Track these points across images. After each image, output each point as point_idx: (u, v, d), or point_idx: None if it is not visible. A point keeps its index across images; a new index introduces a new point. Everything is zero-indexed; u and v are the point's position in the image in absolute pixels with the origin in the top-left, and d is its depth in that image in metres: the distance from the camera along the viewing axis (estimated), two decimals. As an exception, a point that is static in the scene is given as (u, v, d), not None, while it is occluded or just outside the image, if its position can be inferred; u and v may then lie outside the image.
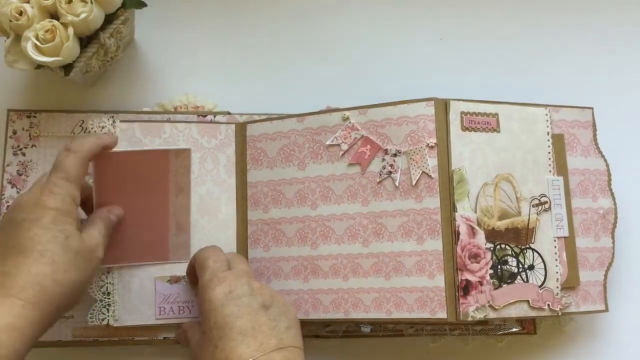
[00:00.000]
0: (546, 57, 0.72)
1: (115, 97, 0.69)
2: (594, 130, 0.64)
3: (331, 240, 0.60)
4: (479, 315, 0.56)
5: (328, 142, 0.61)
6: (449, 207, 0.57)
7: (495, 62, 0.72)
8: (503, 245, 0.58)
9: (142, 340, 0.62)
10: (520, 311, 0.58)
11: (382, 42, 0.72)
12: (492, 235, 0.58)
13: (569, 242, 0.61)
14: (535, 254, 0.59)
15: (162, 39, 0.70)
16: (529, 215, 0.60)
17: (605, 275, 0.62)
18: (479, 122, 0.59)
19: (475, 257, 0.57)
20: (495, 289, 0.57)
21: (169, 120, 0.65)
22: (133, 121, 0.63)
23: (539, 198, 0.60)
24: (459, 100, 0.59)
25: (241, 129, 0.65)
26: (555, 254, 0.60)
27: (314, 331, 0.64)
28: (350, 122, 0.61)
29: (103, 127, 0.63)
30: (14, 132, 0.65)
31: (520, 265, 0.59)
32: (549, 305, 0.59)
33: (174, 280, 0.62)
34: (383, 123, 0.60)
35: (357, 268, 0.59)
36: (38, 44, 0.56)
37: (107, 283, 0.60)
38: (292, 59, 0.71)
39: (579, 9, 0.74)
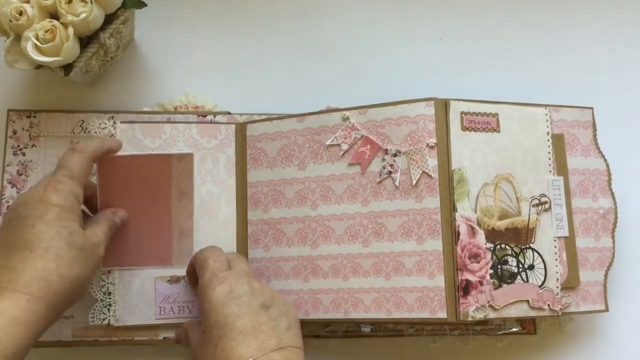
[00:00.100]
0: (546, 57, 0.72)
1: (115, 97, 0.69)
2: (594, 130, 0.64)
3: (331, 240, 0.60)
4: (479, 315, 0.56)
5: (328, 142, 0.61)
6: (449, 207, 0.57)
7: (495, 62, 0.72)
8: (503, 245, 0.58)
9: (142, 340, 0.62)
10: (520, 311, 0.58)
11: (382, 42, 0.72)
12: (492, 235, 0.58)
13: (569, 242, 0.61)
14: (535, 253, 0.59)
15: (162, 39, 0.70)
16: (529, 215, 0.60)
17: (606, 275, 0.62)
18: (479, 122, 0.59)
19: (475, 257, 0.57)
20: (495, 288, 0.57)
21: (169, 121, 0.65)
22: (133, 122, 0.63)
23: (539, 198, 0.60)
24: (459, 100, 0.59)
25: (241, 129, 0.65)
26: (555, 253, 0.60)
27: (314, 331, 0.64)
28: (350, 122, 0.61)
29: (104, 128, 0.63)
30: (14, 132, 0.65)
31: (520, 265, 0.59)
32: (549, 305, 0.59)
33: (174, 280, 0.62)
34: (383, 123, 0.60)
35: (357, 268, 0.59)
36: (38, 44, 0.56)
37: (107, 283, 0.61)
38: (292, 59, 0.71)
39: (579, 9, 0.74)
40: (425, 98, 0.59)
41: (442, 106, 0.59)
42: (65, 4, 0.56)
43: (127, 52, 0.69)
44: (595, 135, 0.64)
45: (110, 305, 0.60)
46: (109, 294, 0.61)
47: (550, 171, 0.61)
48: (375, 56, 0.71)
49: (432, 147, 0.58)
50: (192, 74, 0.70)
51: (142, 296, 0.61)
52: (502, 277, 0.58)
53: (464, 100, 0.59)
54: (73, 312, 0.60)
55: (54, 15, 0.58)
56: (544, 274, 0.59)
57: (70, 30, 0.57)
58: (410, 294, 0.57)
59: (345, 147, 0.61)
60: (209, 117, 0.66)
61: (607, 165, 0.64)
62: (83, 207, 0.57)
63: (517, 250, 0.59)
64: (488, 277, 0.57)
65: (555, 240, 0.60)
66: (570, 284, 0.60)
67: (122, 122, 0.63)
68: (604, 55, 0.73)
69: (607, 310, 0.62)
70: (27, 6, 0.57)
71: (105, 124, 0.63)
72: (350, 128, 0.61)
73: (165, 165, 0.61)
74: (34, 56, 0.56)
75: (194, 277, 0.58)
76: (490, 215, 0.58)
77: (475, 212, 0.58)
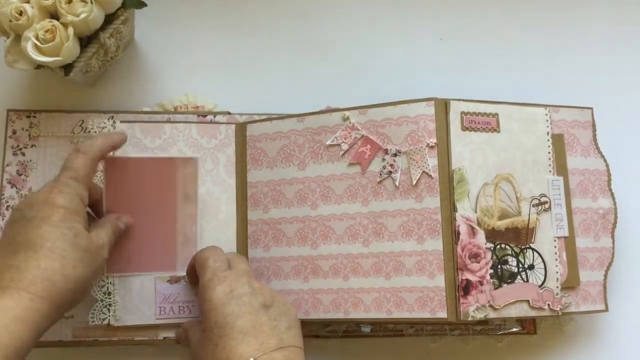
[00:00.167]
0: (546, 57, 0.72)
1: (115, 97, 0.69)
2: (594, 130, 0.64)
3: (331, 240, 0.60)
4: (479, 315, 0.56)
5: (328, 142, 0.61)
6: (449, 207, 0.57)
7: (495, 62, 0.72)
8: (503, 245, 0.58)
9: (142, 340, 0.62)
10: (521, 311, 0.58)
11: (382, 42, 0.72)
12: (492, 235, 0.58)
13: (569, 242, 0.61)
14: (535, 253, 0.59)
15: (162, 39, 0.70)
16: (529, 215, 0.60)
17: (605, 275, 0.62)
18: (479, 122, 0.59)
19: (475, 256, 0.57)
20: (496, 288, 0.57)
21: (169, 121, 0.65)
22: (133, 122, 0.63)
23: (539, 198, 0.60)
24: (459, 100, 0.59)
25: (241, 129, 0.65)
26: (555, 253, 0.60)
27: (314, 331, 0.64)
28: (350, 122, 0.61)
29: (103, 128, 0.63)
30: (14, 132, 0.65)
31: (520, 265, 0.59)
32: (549, 305, 0.59)
33: (174, 280, 0.62)
34: (383, 123, 0.60)
35: (357, 268, 0.59)
36: (38, 44, 0.56)
37: (107, 283, 0.61)
38: (292, 59, 0.71)
39: (579, 9, 0.74)
40: (425, 98, 0.59)
41: (442, 106, 0.59)
42: (65, 4, 0.56)
43: (127, 52, 0.69)
44: (595, 135, 0.64)
45: (110, 305, 0.60)
46: (109, 294, 0.61)
47: (550, 171, 0.61)
48: (375, 56, 0.71)
49: (432, 147, 0.58)
50: (192, 74, 0.70)
51: (142, 296, 0.61)
52: (502, 277, 0.58)
53: (464, 100, 0.59)
54: (73, 312, 0.60)
55: (54, 15, 0.58)
56: (544, 274, 0.59)
57: (70, 30, 0.57)
58: (410, 294, 0.57)
59: (345, 147, 0.61)
60: (209, 117, 0.66)
61: (607, 165, 0.64)
62: (88, 209, 0.58)
63: (517, 250, 0.59)
64: (488, 277, 0.57)
65: (555, 240, 0.60)
66: (570, 284, 0.60)
67: (122, 122, 0.63)
68: (604, 55, 0.73)
69: (607, 310, 0.62)
70: (27, 6, 0.57)
71: (105, 123, 0.63)
72: (350, 128, 0.61)
73: (171, 168, 0.61)
74: (34, 56, 0.56)
75: (194, 277, 0.58)
76: (490, 215, 0.58)
77: (476, 212, 0.58)
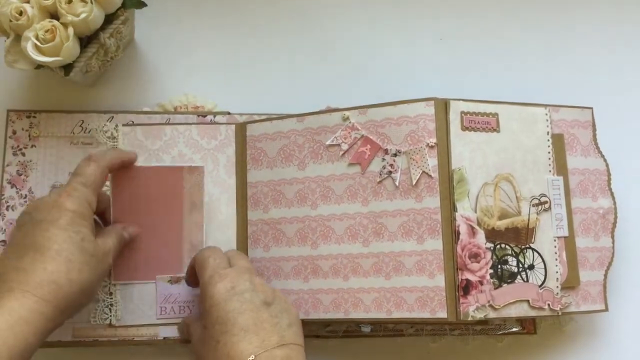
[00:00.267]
0: (546, 57, 0.72)
1: (115, 97, 0.69)
2: (594, 130, 0.64)
3: (331, 240, 0.60)
4: (479, 315, 0.56)
5: (328, 142, 0.61)
6: (449, 206, 0.57)
7: (495, 62, 0.72)
8: (503, 245, 0.58)
9: (142, 340, 0.62)
10: (521, 311, 0.58)
11: (382, 42, 0.72)
12: (492, 235, 0.58)
13: (569, 242, 0.61)
14: (535, 253, 0.59)
15: (162, 39, 0.70)
16: (529, 215, 0.60)
17: (605, 275, 0.62)
18: (478, 122, 0.59)
19: (475, 256, 0.57)
20: (496, 288, 0.57)
21: (169, 122, 0.65)
22: (135, 124, 0.63)
23: (538, 198, 0.60)
24: (459, 100, 0.59)
25: (241, 129, 0.65)
26: (555, 253, 0.60)
27: (314, 331, 0.64)
28: (350, 122, 0.61)
29: (106, 131, 0.63)
30: (14, 132, 0.65)
31: (520, 265, 0.59)
32: (549, 305, 0.59)
33: (175, 280, 0.62)
34: (383, 123, 0.60)
35: (357, 268, 0.59)
36: (38, 44, 0.56)
37: (109, 283, 0.61)
38: (292, 59, 0.71)
39: (579, 9, 0.74)
40: (425, 98, 0.59)
41: (442, 106, 0.59)
42: (65, 4, 0.57)
43: (127, 52, 0.69)
44: (595, 135, 0.64)
45: (111, 305, 0.61)
46: (111, 294, 0.61)
47: (550, 171, 0.61)
48: (375, 56, 0.71)
49: (432, 147, 0.58)
50: (192, 74, 0.70)
51: (143, 296, 0.61)
52: (502, 277, 0.58)
53: (463, 100, 0.59)
54: (73, 312, 0.60)
55: (54, 15, 0.58)
56: (544, 273, 0.59)
57: (70, 30, 0.57)
58: (410, 294, 0.57)
59: (345, 147, 0.61)
60: (209, 117, 0.66)
61: (607, 165, 0.64)
62: (96, 218, 0.58)
63: (517, 250, 0.59)
64: (488, 277, 0.57)
65: (555, 240, 0.60)
66: (570, 284, 0.60)
67: (123, 125, 0.63)
68: (604, 55, 0.73)
69: (607, 310, 0.62)
70: (27, 6, 0.57)
71: (107, 126, 0.63)
72: (350, 128, 0.61)
73: (178, 177, 0.61)
74: (34, 56, 0.56)
75: (194, 278, 0.58)
76: (490, 215, 0.58)
77: (475, 211, 0.58)
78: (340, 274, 0.60)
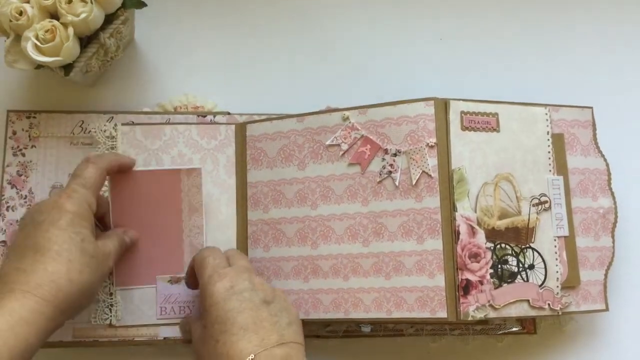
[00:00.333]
0: (546, 57, 0.72)
1: (115, 97, 0.69)
2: (594, 129, 0.64)
3: (331, 240, 0.60)
4: (479, 315, 0.56)
5: (328, 142, 0.61)
6: (449, 206, 0.57)
7: (495, 62, 0.72)
8: (503, 245, 0.58)
9: (142, 341, 0.62)
10: (521, 311, 0.58)
11: (382, 42, 0.72)
12: (492, 234, 0.58)
13: (569, 242, 0.61)
14: (535, 253, 0.59)
15: (162, 39, 0.70)
16: (529, 214, 0.60)
17: (606, 275, 0.62)
18: (478, 122, 0.59)
19: (475, 256, 0.57)
20: (496, 288, 0.57)
21: (169, 122, 0.65)
22: (134, 124, 0.63)
23: (539, 197, 0.60)
24: (459, 99, 0.59)
25: (241, 129, 0.65)
26: (556, 253, 0.60)
27: (314, 331, 0.64)
28: (350, 122, 0.61)
29: (104, 131, 0.63)
30: (14, 133, 0.65)
31: (521, 265, 0.59)
32: (549, 304, 0.59)
33: (175, 280, 0.62)
34: (383, 123, 0.60)
35: (357, 268, 0.59)
36: (38, 44, 0.56)
37: (109, 283, 0.61)
38: (292, 59, 0.71)
39: (579, 9, 0.74)
40: (425, 98, 0.59)
41: (442, 106, 0.59)
42: (65, 4, 0.57)
43: (127, 52, 0.69)
44: (595, 134, 0.64)
45: (112, 305, 0.61)
46: (111, 294, 0.61)
47: (550, 171, 0.61)
48: (375, 56, 0.72)
49: (432, 146, 0.58)
50: (192, 74, 0.70)
51: (143, 296, 0.61)
52: (502, 277, 0.58)
53: (463, 100, 0.59)
54: (73, 312, 0.61)
55: (54, 15, 0.58)
56: (544, 273, 0.59)
57: (70, 30, 0.57)
58: (410, 294, 0.57)
59: (345, 147, 0.61)
60: (209, 118, 0.66)
61: (607, 164, 0.64)
62: (96, 222, 0.59)
63: (517, 249, 0.59)
64: (488, 277, 0.57)
65: (555, 240, 0.60)
66: (570, 284, 0.60)
67: (123, 125, 0.63)
68: (604, 55, 0.73)
69: (607, 309, 0.62)
70: (27, 6, 0.57)
71: (106, 126, 0.63)
72: (350, 128, 0.61)
73: (175, 180, 0.61)
74: (34, 56, 0.56)
75: (193, 279, 0.58)
76: (490, 214, 0.58)
77: (475, 211, 0.58)
78: (340, 274, 0.60)
